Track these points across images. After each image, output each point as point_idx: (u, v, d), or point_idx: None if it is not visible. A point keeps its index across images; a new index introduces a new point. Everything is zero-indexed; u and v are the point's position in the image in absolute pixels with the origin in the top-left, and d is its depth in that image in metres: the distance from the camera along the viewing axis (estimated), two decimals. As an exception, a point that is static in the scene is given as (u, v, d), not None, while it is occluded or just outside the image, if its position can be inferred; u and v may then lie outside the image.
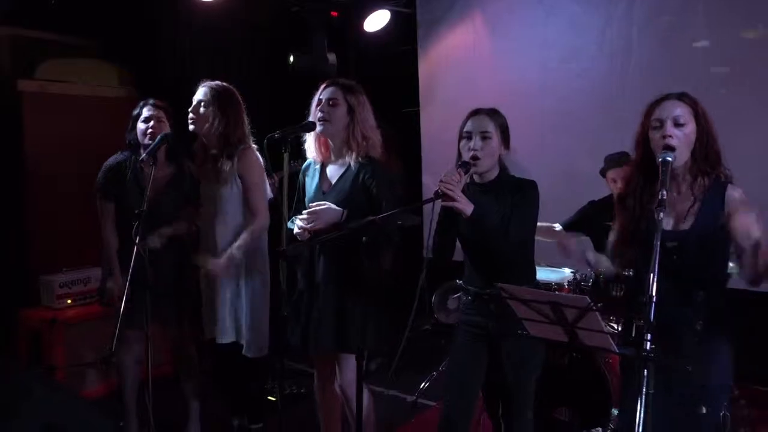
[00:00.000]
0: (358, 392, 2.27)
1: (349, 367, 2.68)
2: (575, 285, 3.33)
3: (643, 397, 1.61)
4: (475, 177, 2.46)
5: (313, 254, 2.70)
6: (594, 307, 1.60)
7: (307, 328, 2.71)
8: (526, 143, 5.09)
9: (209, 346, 3.18)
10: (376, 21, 4.91)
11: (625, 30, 4.46)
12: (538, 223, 3.56)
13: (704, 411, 2.06)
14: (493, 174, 2.47)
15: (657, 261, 1.80)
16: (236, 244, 2.97)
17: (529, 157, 4.98)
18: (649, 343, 1.67)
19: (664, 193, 1.93)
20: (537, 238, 3.70)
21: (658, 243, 1.84)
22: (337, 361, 2.75)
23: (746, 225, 1.99)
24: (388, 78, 5.55)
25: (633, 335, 1.85)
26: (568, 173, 4.65)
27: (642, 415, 1.61)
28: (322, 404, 2.97)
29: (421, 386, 3.91)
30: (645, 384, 1.65)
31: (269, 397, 3.84)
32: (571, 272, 3.50)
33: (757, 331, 3.82)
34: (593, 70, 4.58)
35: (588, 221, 3.50)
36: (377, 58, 5.53)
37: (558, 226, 3.51)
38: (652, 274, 1.78)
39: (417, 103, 5.44)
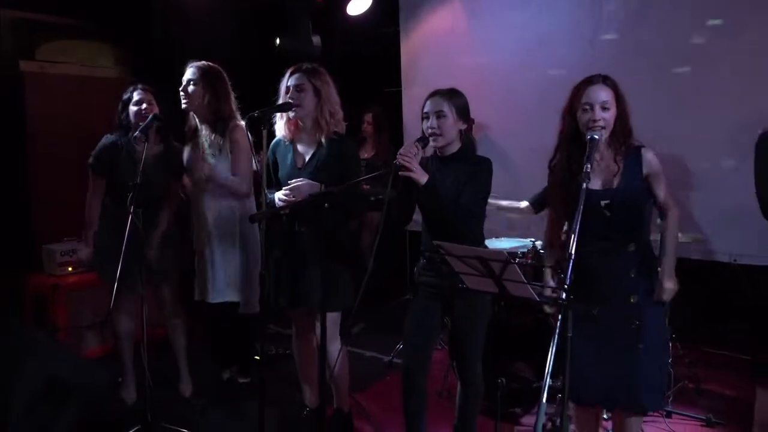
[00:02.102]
0: (321, 347, 2.52)
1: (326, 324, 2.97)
2: (534, 252, 3.63)
3: (556, 337, 1.89)
4: (437, 151, 2.75)
5: (293, 224, 2.99)
6: (511, 261, 1.89)
7: (287, 289, 3.00)
8: (502, 121, 5.39)
9: (200, 306, 3.47)
10: (359, 5, 5.14)
11: (596, 13, 4.71)
12: (505, 201, 3.87)
13: (641, 347, 2.38)
14: (454, 148, 2.74)
15: (579, 223, 2.08)
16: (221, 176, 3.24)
17: (503, 135, 5.31)
18: (565, 293, 1.96)
19: (589, 166, 2.23)
20: (507, 214, 4.01)
21: (581, 209, 2.12)
22: (312, 319, 3.04)
23: None
24: (372, 59, 5.82)
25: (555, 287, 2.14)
26: (541, 151, 4.91)
27: (553, 357, 1.86)
28: (300, 358, 3.29)
29: (396, 347, 4.22)
30: (560, 327, 1.93)
31: (256, 357, 4.16)
32: (531, 241, 3.80)
33: (704, 297, 4.15)
34: (565, 51, 4.81)
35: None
36: (361, 40, 5.78)
37: (524, 203, 3.80)
38: (573, 235, 2.07)
39: (399, 84, 5.69)
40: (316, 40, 5.07)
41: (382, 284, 5.16)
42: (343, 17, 5.33)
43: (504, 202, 3.80)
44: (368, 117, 5.29)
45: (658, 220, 3.35)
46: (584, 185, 2.18)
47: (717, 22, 4.21)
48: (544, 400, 1.79)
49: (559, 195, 2.49)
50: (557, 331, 1.90)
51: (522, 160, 5.05)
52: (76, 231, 4.34)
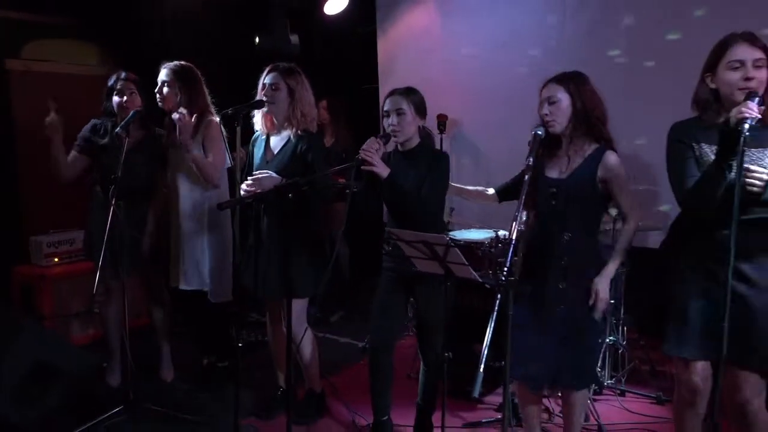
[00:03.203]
0: (287, 331, 2.70)
1: (292, 310, 3.16)
2: (496, 241, 3.84)
3: (494, 315, 2.09)
4: (399, 146, 2.95)
5: (259, 215, 3.18)
6: (452, 245, 2.10)
7: (258, 277, 3.20)
8: (474, 117, 5.61)
9: (178, 294, 3.66)
10: (336, 5, 5.32)
11: (559, 15, 4.93)
12: (473, 187, 4.07)
13: (567, 330, 2.58)
14: (413, 143, 2.94)
15: (520, 210, 2.29)
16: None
17: (476, 130, 5.53)
18: (505, 274, 2.16)
19: (530, 159, 2.44)
20: (476, 202, 4.20)
21: (523, 197, 2.33)
22: (282, 305, 3.24)
23: None
24: (350, 57, 6.01)
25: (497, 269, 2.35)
26: (511, 145, 5.12)
27: (491, 334, 2.08)
28: (273, 344, 3.49)
29: (371, 334, 4.42)
30: (498, 307, 2.13)
31: (239, 344, 4.34)
32: (494, 231, 4.01)
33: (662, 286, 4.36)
34: (533, 49, 5.04)
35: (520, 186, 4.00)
36: (340, 38, 5.97)
37: (491, 190, 4.00)
38: (514, 223, 2.27)
39: (377, 80, 5.87)
40: (294, 38, 5.26)
41: (357, 274, 5.38)
42: (321, 17, 5.50)
43: (471, 188, 4.01)
44: (323, 104, 5.17)
45: (611, 211, 3.61)
46: (526, 177, 2.39)
47: (677, 19, 4.43)
48: (481, 369, 2.00)
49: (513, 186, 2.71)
50: (496, 310, 2.11)
51: (493, 153, 5.28)
52: (63, 224, 4.56)
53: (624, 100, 4.53)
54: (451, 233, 4.31)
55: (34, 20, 4.92)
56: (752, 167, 2.07)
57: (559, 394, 3.20)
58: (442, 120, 5.23)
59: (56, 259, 4.48)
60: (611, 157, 2.56)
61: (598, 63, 4.72)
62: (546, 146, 2.66)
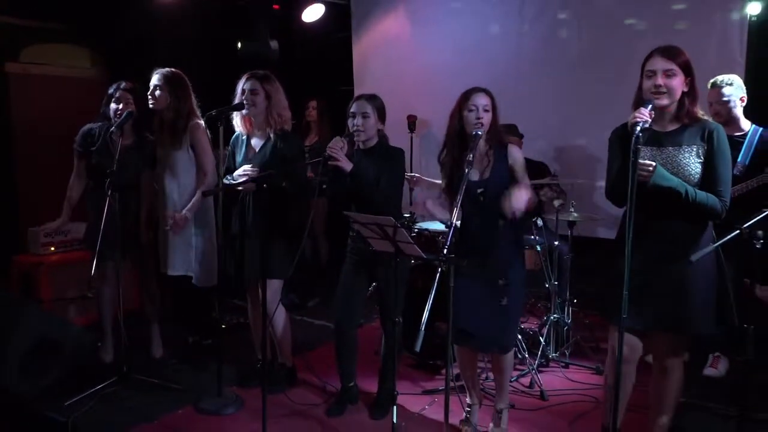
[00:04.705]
0: (263, 308, 3.09)
1: (268, 291, 3.43)
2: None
3: (435, 287, 2.51)
4: (361, 145, 3.36)
5: (245, 206, 3.58)
6: (398, 225, 2.51)
7: (241, 261, 3.60)
8: (442, 118, 5.95)
9: (167, 279, 4.03)
10: (313, 13, 5.73)
11: (518, 24, 5.38)
12: (428, 178, 4.48)
13: (505, 302, 3.02)
14: (373, 142, 3.36)
15: (459, 203, 2.71)
16: (188, 207, 3.77)
17: (442, 130, 5.88)
18: (445, 251, 2.57)
19: (471, 156, 2.86)
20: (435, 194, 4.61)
21: (463, 188, 2.76)
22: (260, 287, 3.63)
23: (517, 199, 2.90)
24: (327, 61, 6.44)
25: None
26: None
27: (430, 304, 2.48)
28: (253, 323, 3.89)
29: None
30: (438, 280, 2.54)
31: (222, 326, 4.73)
32: (449, 221, 4.42)
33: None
34: (494, 55, 5.47)
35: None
36: (317, 44, 6.40)
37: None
38: (455, 209, 2.69)
39: (352, 83, 6.30)
40: (274, 44, 5.65)
41: (335, 264, 5.77)
42: (300, 24, 5.90)
43: (438, 181, 4.43)
44: (312, 103, 5.59)
45: (554, 202, 4.05)
46: (467, 170, 2.82)
47: (632, 21, 4.85)
48: (423, 328, 2.41)
49: (449, 184, 3.12)
50: (436, 282, 2.52)
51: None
52: (58, 216, 4.91)
53: (575, 105, 5.02)
54: (418, 224, 4.74)
55: (32, 26, 5.27)
56: (641, 161, 2.49)
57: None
58: (411, 120, 5.63)
59: (52, 248, 4.84)
60: (514, 149, 3.07)
61: (553, 69, 5.18)
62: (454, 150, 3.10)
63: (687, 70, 2.58)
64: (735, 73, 3.82)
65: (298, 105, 5.41)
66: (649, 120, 2.46)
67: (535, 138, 4.98)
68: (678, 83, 2.57)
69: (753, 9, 4.45)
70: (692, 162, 2.58)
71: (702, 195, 2.54)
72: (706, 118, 2.64)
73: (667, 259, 2.58)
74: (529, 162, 4.26)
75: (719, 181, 2.57)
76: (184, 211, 3.76)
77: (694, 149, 2.59)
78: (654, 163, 2.50)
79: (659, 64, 2.57)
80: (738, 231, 2.16)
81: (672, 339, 2.75)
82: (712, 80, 3.74)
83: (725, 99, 3.67)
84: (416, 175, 3.89)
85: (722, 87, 3.68)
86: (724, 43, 4.50)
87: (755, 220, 2.17)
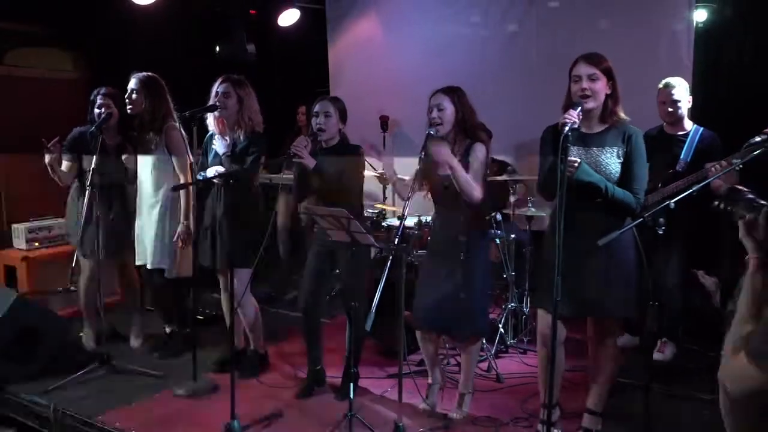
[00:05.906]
0: (230, 295, 3.33)
1: (237, 281, 3.55)
2: (420, 225, 4.50)
3: (385, 273, 2.75)
4: (323, 143, 3.59)
5: (215, 200, 3.81)
6: (351, 217, 2.76)
7: (213, 251, 3.82)
8: (413, 118, 6.20)
9: (144, 271, 4.25)
10: (288, 18, 5.96)
11: (482, 28, 5.64)
12: (408, 177, 4.70)
13: (463, 296, 3.20)
14: (335, 141, 3.59)
15: (411, 194, 2.96)
16: (182, 214, 3.94)
17: (414, 129, 6.16)
18: (397, 240, 2.82)
19: (422, 154, 3.10)
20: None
21: (413, 183, 3.01)
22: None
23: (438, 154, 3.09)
24: (304, 63, 6.68)
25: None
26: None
27: (381, 290, 2.72)
28: (225, 310, 4.10)
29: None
30: (389, 267, 2.78)
31: (197, 317, 4.94)
32: (418, 216, 4.65)
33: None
34: (463, 57, 5.70)
35: None
36: (294, 47, 6.63)
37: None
38: (406, 203, 2.94)
39: (328, 84, 6.52)
40: (251, 47, 5.88)
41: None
42: (275, 28, 6.13)
43: (407, 178, 4.65)
44: (302, 109, 5.93)
45: (511, 198, 4.29)
46: (419, 166, 3.07)
47: (589, 27, 5.08)
48: (373, 311, 2.65)
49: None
50: (386, 269, 2.76)
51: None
52: (41, 212, 5.13)
53: (536, 105, 5.25)
54: (388, 220, 4.98)
55: (17, 29, 5.46)
56: (570, 158, 2.74)
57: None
58: (384, 120, 5.87)
59: (36, 244, 5.06)
60: (477, 146, 3.20)
61: (514, 71, 5.44)
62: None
63: (609, 75, 2.83)
64: (683, 76, 4.07)
65: (281, 108, 5.68)
66: (578, 121, 2.70)
67: (498, 137, 5.22)
68: (601, 87, 2.82)
69: (699, 16, 4.77)
70: (612, 162, 2.84)
71: (620, 191, 2.80)
72: (627, 119, 2.89)
73: (590, 250, 2.72)
74: (492, 161, 4.53)
75: (635, 180, 2.83)
76: (182, 222, 3.94)
77: (615, 150, 2.85)
78: (579, 160, 2.76)
79: (583, 69, 2.82)
80: (641, 218, 2.41)
81: (597, 321, 3.01)
82: (663, 82, 3.98)
83: (674, 99, 3.92)
84: (387, 172, 4.08)
85: (672, 88, 3.92)
86: (674, 47, 4.76)
87: (656, 209, 2.42)
